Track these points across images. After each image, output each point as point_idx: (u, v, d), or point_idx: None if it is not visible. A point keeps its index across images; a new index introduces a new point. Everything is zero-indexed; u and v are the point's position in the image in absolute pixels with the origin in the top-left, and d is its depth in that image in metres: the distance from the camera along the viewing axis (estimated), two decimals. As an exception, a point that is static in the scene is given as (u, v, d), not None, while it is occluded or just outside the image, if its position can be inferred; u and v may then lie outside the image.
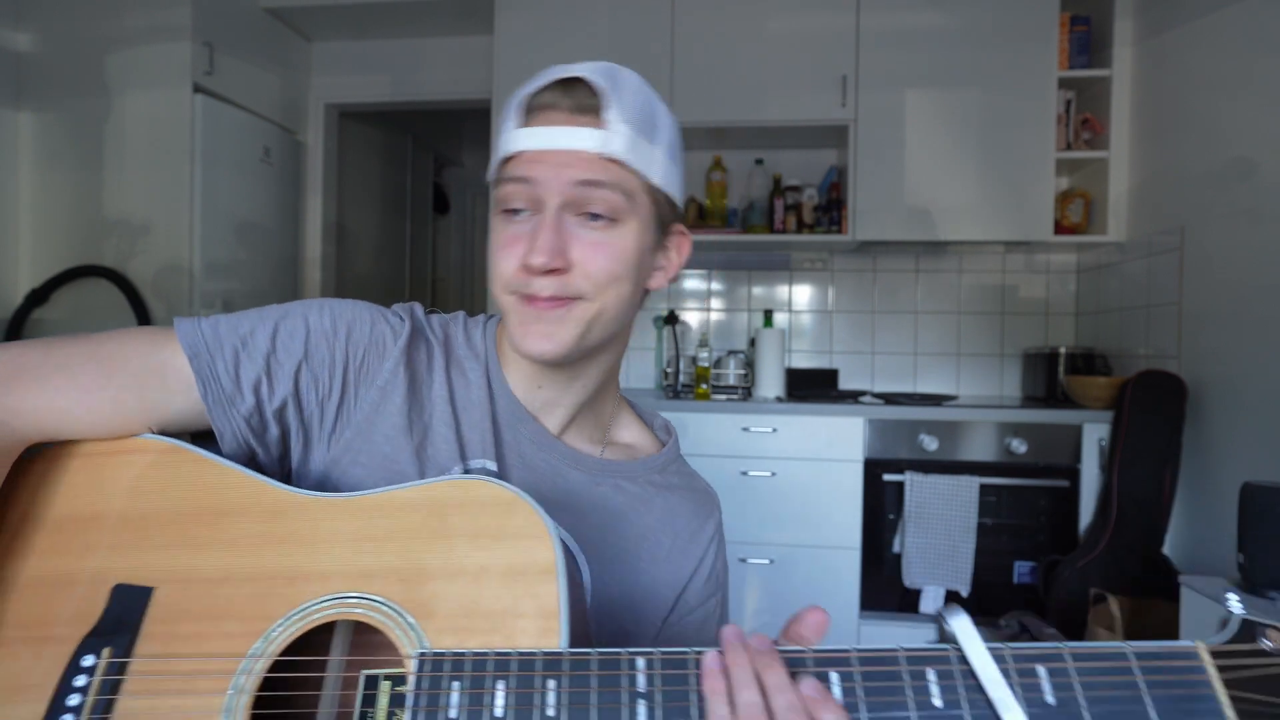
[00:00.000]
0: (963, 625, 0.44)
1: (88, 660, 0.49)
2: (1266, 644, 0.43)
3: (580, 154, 0.60)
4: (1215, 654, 0.43)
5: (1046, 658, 0.44)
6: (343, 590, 0.50)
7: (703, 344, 2.64)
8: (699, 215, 2.88)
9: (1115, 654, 0.43)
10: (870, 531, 2.34)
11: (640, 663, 0.44)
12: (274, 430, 0.62)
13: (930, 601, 2.29)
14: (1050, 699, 0.43)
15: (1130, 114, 2.54)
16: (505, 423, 0.68)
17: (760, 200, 2.85)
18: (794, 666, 0.44)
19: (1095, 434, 2.26)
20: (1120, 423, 2.20)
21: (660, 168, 0.63)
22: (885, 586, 2.34)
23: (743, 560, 2.37)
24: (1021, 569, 2.31)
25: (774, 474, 2.36)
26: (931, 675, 0.44)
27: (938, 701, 0.43)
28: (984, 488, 2.27)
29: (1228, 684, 0.42)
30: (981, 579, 2.27)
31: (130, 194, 2.64)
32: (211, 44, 2.67)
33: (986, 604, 2.29)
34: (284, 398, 0.61)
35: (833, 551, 2.35)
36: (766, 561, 2.37)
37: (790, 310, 3.00)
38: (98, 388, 0.58)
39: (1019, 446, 2.27)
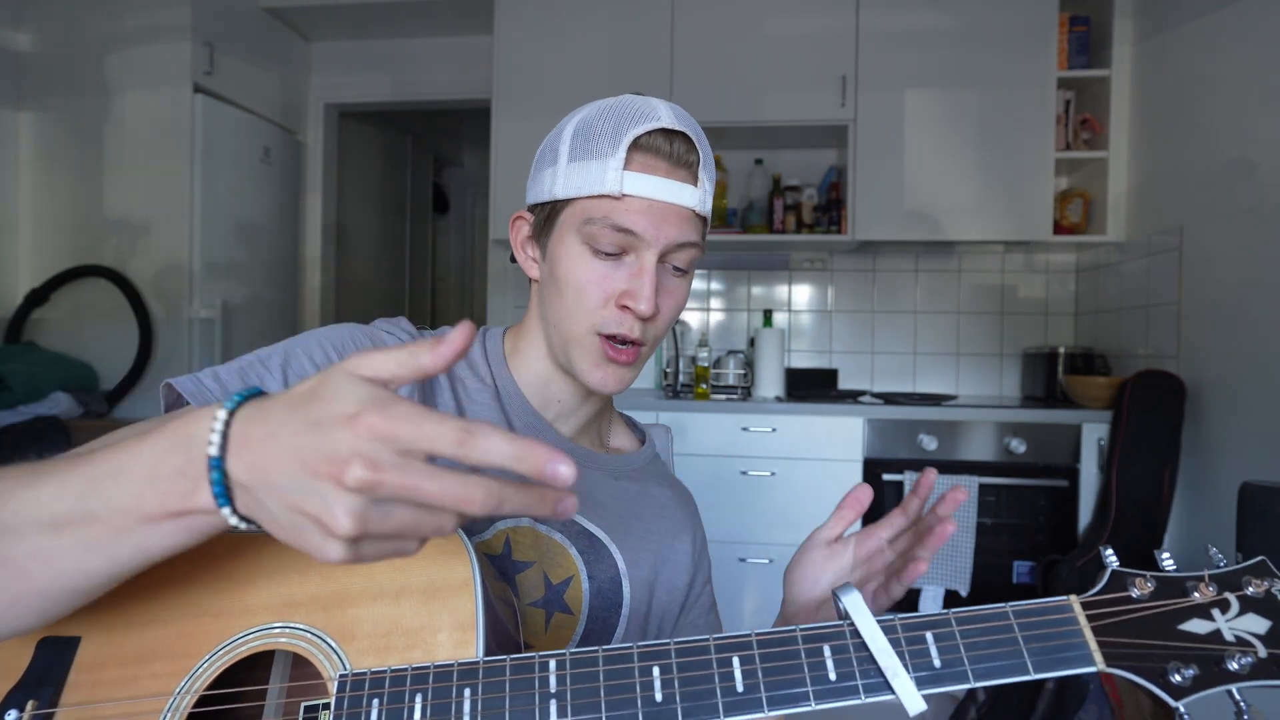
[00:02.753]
0: (854, 601, 0.48)
1: (11, 715, 0.49)
2: (1134, 592, 0.48)
3: (680, 210, 0.64)
4: (1086, 605, 0.48)
5: (934, 624, 0.47)
6: (268, 621, 0.51)
7: (702, 344, 2.64)
8: (699, 215, 2.88)
9: (997, 614, 0.48)
10: (870, 531, 2.34)
11: (552, 664, 0.46)
12: None
13: (930, 601, 2.29)
14: (937, 662, 0.46)
15: (1129, 114, 2.55)
16: (523, 434, 0.70)
17: (760, 200, 2.85)
18: (696, 654, 0.47)
19: (1094, 434, 2.26)
20: (1119, 422, 2.20)
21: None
22: (885, 586, 2.34)
23: (742, 560, 2.38)
24: (1021, 569, 2.31)
25: (773, 474, 2.37)
26: (827, 651, 0.47)
27: (832, 675, 0.46)
28: (983, 487, 2.27)
29: (1097, 631, 0.47)
30: (981, 578, 2.28)
31: (130, 194, 2.65)
32: (211, 44, 2.67)
33: (986, 603, 2.29)
34: None
35: (832, 551, 2.35)
36: (766, 561, 2.37)
37: (790, 310, 3.00)
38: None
39: (1018, 446, 2.28)
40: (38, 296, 2.64)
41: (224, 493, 0.38)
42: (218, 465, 0.37)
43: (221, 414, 0.38)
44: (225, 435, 0.38)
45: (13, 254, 2.69)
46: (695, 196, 0.65)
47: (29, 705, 0.49)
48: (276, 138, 3.05)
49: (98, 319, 2.66)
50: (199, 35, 2.63)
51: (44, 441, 2.31)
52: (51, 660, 0.51)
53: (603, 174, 0.63)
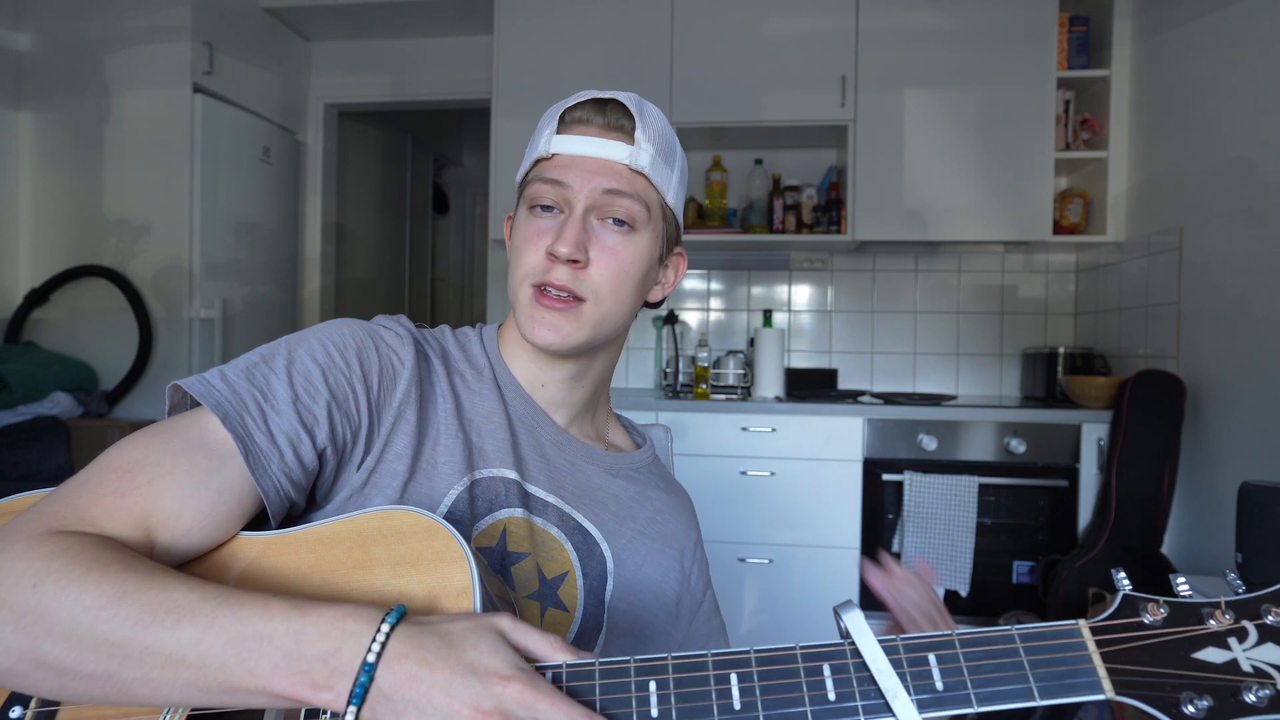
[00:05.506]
0: (855, 620, 0.47)
1: (15, 712, 0.49)
2: (1147, 617, 0.46)
3: (611, 164, 0.67)
4: (1095, 630, 0.46)
5: (938, 646, 0.46)
6: None
7: (702, 344, 2.64)
8: (698, 215, 2.88)
9: (1003, 638, 0.46)
10: (869, 531, 2.34)
11: (548, 676, 0.46)
12: (311, 473, 0.60)
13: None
14: (939, 685, 0.45)
15: (1129, 114, 2.55)
16: (523, 426, 0.72)
17: (760, 200, 2.86)
18: (694, 670, 0.46)
19: (1094, 434, 2.26)
20: (1119, 422, 2.20)
21: (673, 191, 0.72)
22: (884, 586, 2.34)
23: (742, 560, 2.38)
24: (1020, 569, 2.31)
25: (773, 474, 2.37)
26: (826, 670, 0.46)
27: (832, 695, 0.45)
28: (983, 487, 2.27)
29: (1106, 657, 0.45)
30: (981, 578, 2.28)
31: (130, 194, 2.65)
32: (211, 44, 2.67)
33: (986, 603, 2.30)
34: (323, 443, 0.59)
35: (832, 551, 2.35)
36: (766, 561, 2.37)
37: (789, 310, 3.00)
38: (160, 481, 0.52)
39: (1018, 446, 2.28)
40: (38, 296, 2.64)
41: (362, 695, 0.42)
42: (369, 670, 0.42)
43: (385, 626, 0.43)
44: (385, 646, 0.43)
45: (13, 254, 2.69)
46: (625, 151, 0.67)
47: (33, 702, 0.49)
48: (276, 138, 3.05)
49: (98, 319, 2.66)
50: (199, 35, 2.63)
51: (44, 441, 2.32)
52: None
53: (538, 144, 0.70)
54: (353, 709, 0.42)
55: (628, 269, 0.68)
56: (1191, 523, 2.13)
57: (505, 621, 0.46)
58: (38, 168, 2.69)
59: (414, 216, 4.44)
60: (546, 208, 0.67)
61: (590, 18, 2.69)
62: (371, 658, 0.42)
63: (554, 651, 0.46)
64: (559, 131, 0.68)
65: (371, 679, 0.42)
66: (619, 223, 0.67)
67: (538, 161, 0.69)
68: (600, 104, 0.68)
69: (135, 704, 0.45)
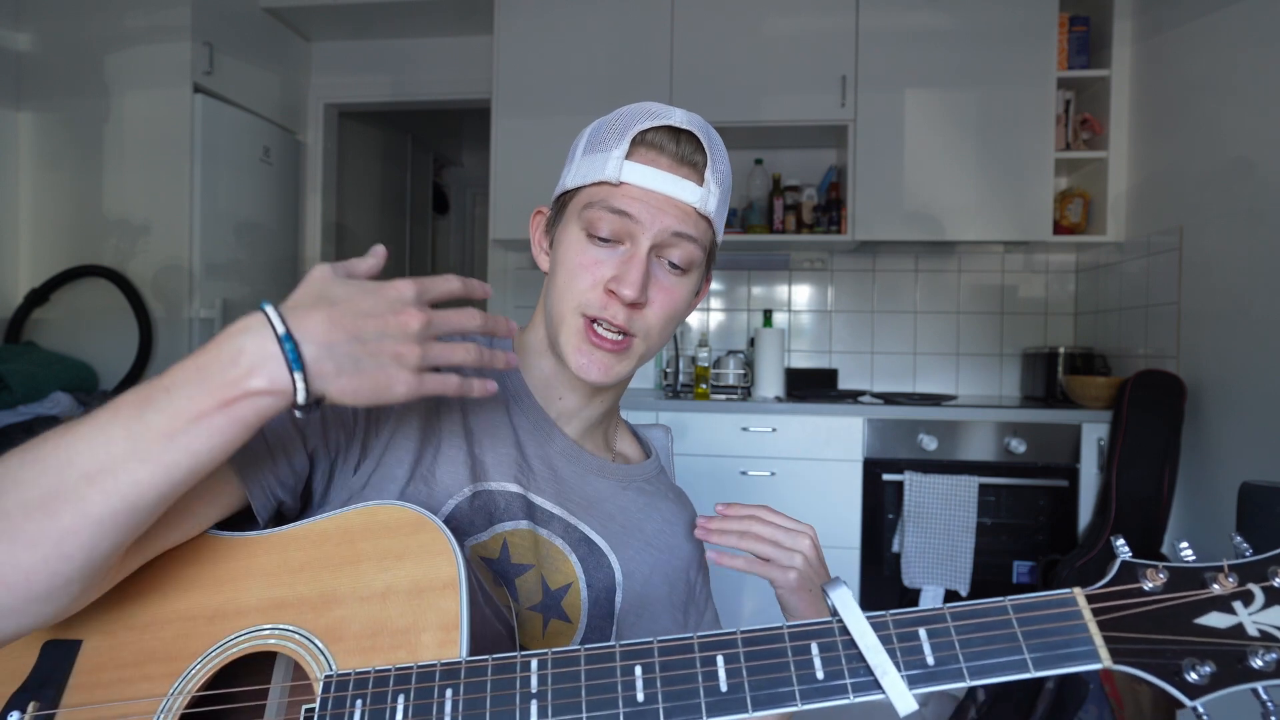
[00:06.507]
0: (842, 597, 0.46)
1: (14, 717, 0.49)
2: (1146, 584, 0.44)
3: (679, 204, 0.65)
4: (1091, 598, 0.45)
5: (928, 620, 0.45)
6: (259, 623, 0.52)
7: (702, 344, 2.64)
8: (698, 215, 2.88)
9: (995, 609, 0.45)
10: (870, 531, 2.34)
11: (534, 664, 0.46)
12: (302, 476, 0.60)
13: (930, 601, 2.29)
14: (930, 659, 0.44)
15: (1129, 114, 2.55)
16: (530, 439, 0.71)
17: (760, 200, 2.86)
18: (679, 653, 0.46)
19: (1094, 434, 2.26)
20: (1119, 422, 2.20)
21: (722, 227, 0.72)
22: (885, 586, 2.34)
23: (742, 560, 2.37)
24: (1021, 569, 2.31)
25: (773, 474, 2.37)
26: (814, 649, 0.45)
27: (820, 673, 0.44)
28: (983, 487, 2.27)
29: (1103, 625, 0.44)
30: (981, 578, 2.28)
31: (130, 194, 2.65)
32: (211, 44, 2.67)
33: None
34: (314, 444, 0.59)
35: (832, 551, 2.35)
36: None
37: (790, 310, 3.00)
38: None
39: (1018, 446, 2.28)
40: (38, 296, 2.64)
41: (297, 356, 0.44)
42: (289, 341, 0.45)
43: (268, 309, 0.46)
44: (282, 315, 0.45)
45: (13, 254, 2.68)
46: (696, 194, 0.65)
47: (31, 706, 0.49)
48: (276, 138, 3.04)
49: (98, 319, 2.65)
50: (199, 35, 2.63)
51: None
52: (55, 662, 0.52)
53: (605, 163, 0.65)
54: (298, 375, 0.44)
55: (678, 308, 0.69)
56: (1191, 523, 2.13)
57: (324, 266, 0.51)
58: (38, 168, 2.68)
59: (414, 216, 4.44)
60: (604, 238, 0.66)
61: (590, 18, 2.69)
62: (279, 327, 0.45)
63: (364, 262, 0.52)
64: (631, 155, 0.65)
65: (295, 342, 0.45)
66: (674, 265, 0.67)
67: (601, 183, 0.66)
68: (675, 133, 0.65)
69: (93, 519, 0.43)
